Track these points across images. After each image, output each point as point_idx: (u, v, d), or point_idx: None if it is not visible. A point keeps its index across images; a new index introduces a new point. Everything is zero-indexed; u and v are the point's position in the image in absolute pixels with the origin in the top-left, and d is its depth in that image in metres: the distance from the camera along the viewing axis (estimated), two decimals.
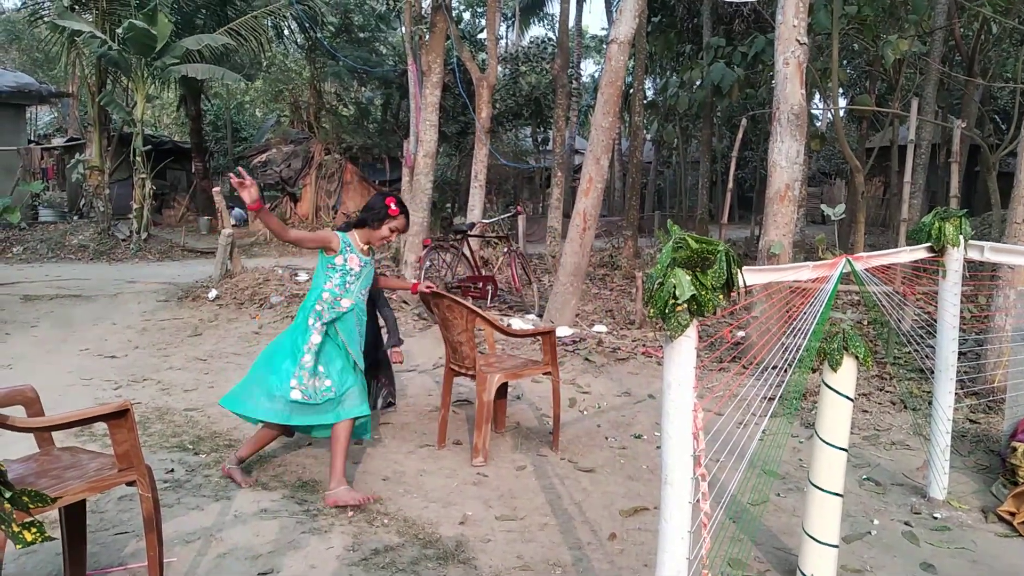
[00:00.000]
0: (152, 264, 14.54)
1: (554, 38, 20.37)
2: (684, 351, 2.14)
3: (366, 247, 4.10)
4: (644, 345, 7.32)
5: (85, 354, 7.12)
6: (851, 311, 8.39)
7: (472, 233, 10.43)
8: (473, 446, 4.56)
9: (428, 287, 4.46)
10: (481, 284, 9.43)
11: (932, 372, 3.98)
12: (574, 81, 22.32)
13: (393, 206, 4.05)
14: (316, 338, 3.92)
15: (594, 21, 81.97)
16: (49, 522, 3.36)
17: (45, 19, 16.65)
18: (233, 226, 11.52)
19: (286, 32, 20.93)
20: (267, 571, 3.15)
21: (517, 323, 8.02)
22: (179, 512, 3.69)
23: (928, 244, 3.77)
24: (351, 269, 4.01)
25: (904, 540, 3.53)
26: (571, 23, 17.68)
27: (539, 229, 17.86)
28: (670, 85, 18.45)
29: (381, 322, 5.15)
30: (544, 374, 4.97)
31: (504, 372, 4.59)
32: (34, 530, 1.42)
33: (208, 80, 17.96)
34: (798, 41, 6.57)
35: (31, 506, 1.46)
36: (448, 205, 22.31)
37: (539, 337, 5.41)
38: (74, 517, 2.98)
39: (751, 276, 2.48)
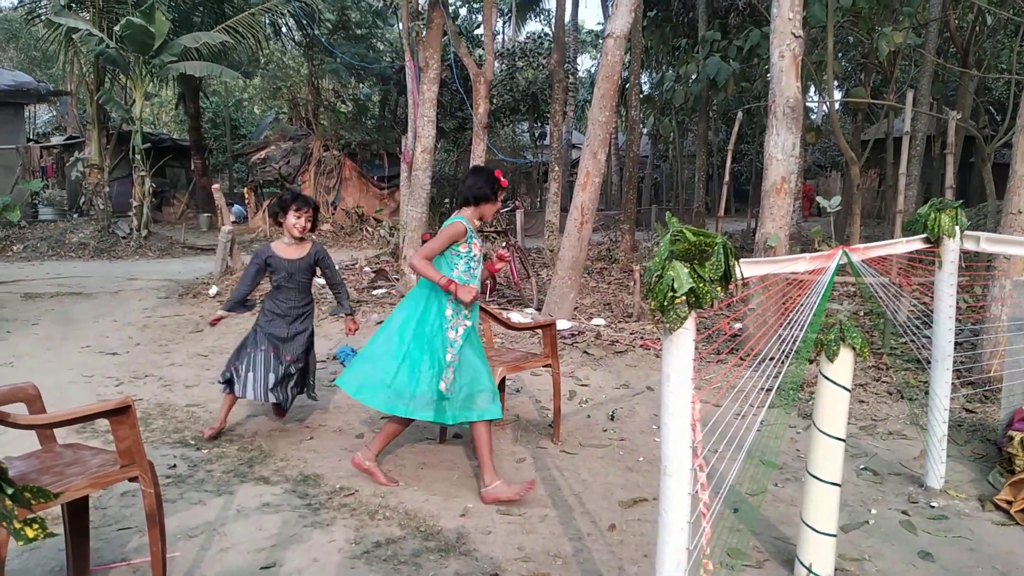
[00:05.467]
0: (152, 261, 14.54)
1: (550, 33, 20.37)
2: (682, 343, 2.16)
3: (478, 224, 4.07)
4: (642, 338, 7.34)
5: (86, 351, 7.13)
6: (848, 302, 8.42)
7: None
8: None
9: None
10: None
11: (929, 362, 4.01)
12: (571, 76, 22.26)
13: (501, 177, 4.06)
14: (462, 331, 3.89)
15: (590, 16, 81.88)
16: (52, 518, 3.38)
17: (42, 17, 16.61)
18: (233, 223, 11.53)
19: (283, 29, 20.92)
20: (270, 565, 3.17)
21: (516, 317, 8.04)
22: (182, 507, 3.71)
23: (924, 235, 3.79)
24: (475, 255, 3.98)
25: (902, 529, 3.56)
26: (567, 18, 17.63)
27: (537, 223, 17.87)
28: (666, 79, 18.44)
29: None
30: (544, 367, 4.99)
31: (505, 365, 4.61)
32: (36, 526, 1.42)
33: (206, 78, 17.92)
34: (794, 34, 6.58)
35: (33, 502, 1.46)
36: (446, 200, 22.31)
37: (539, 330, 5.43)
38: (77, 513, 3.00)
39: (748, 268, 2.50)
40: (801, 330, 2.80)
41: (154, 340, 7.63)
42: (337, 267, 5.30)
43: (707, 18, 16.34)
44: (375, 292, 9.72)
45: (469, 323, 3.94)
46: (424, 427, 5.03)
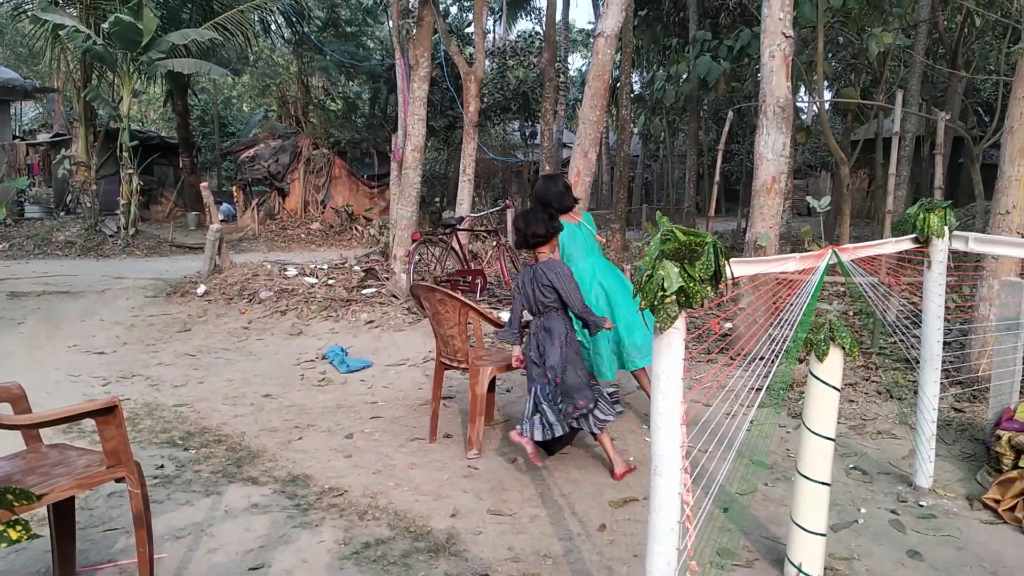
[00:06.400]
0: (140, 260, 14.46)
1: (541, 32, 20.36)
2: (673, 343, 2.16)
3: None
4: None
5: (73, 350, 7.08)
6: (837, 302, 8.44)
7: (461, 227, 10.42)
8: (467, 439, 4.58)
9: None
10: (470, 278, 9.43)
11: (917, 362, 4.02)
12: (561, 75, 22.32)
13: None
14: None
15: (581, 15, 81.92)
16: (37, 519, 3.35)
17: (28, 13, 16.48)
18: (221, 221, 11.47)
19: (273, 26, 20.81)
20: (258, 566, 3.15)
21: (506, 316, 8.02)
22: (169, 508, 3.69)
23: (913, 235, 3.80)
24: None
25: (891, 528, 3.57)
26: (558, 17, 17.66)
27: None
28: (657, 79, 18.50)
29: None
30: None
31: (495, 365, 4.61)
32: (19, 528, 1.41)
33: (195, 75, 17.83)
34: (784, 34, 6.59)
35: (16, 504, 1.45)
36: (437, 199, 22.28)
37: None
38: (63, 514, 2.98)
39: (738, 268, 2.49)
40: (791, 330, 2.80)
41: (141, 339, 7.58)
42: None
43: (698, 18, 16.37)
44: (364, 291, 9.68)
45: None
46: (413, 426, 5.02)
